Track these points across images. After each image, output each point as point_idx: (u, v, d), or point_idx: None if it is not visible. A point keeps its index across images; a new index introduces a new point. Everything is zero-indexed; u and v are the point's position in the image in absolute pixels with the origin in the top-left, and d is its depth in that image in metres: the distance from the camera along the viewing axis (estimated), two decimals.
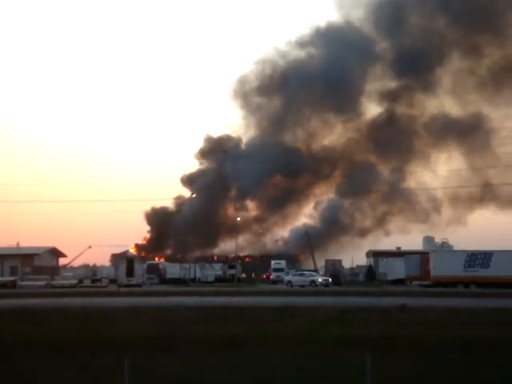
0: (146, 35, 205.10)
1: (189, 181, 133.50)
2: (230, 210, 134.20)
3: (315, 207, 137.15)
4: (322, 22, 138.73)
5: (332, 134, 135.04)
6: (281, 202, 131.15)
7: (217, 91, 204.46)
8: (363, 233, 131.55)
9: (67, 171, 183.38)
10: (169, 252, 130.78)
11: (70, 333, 22.37)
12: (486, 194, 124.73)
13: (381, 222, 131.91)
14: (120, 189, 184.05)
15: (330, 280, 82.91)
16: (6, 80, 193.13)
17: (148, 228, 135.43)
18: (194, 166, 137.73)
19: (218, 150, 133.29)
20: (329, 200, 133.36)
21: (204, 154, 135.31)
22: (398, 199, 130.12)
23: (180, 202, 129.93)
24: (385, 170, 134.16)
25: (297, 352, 18.21)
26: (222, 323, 26.14)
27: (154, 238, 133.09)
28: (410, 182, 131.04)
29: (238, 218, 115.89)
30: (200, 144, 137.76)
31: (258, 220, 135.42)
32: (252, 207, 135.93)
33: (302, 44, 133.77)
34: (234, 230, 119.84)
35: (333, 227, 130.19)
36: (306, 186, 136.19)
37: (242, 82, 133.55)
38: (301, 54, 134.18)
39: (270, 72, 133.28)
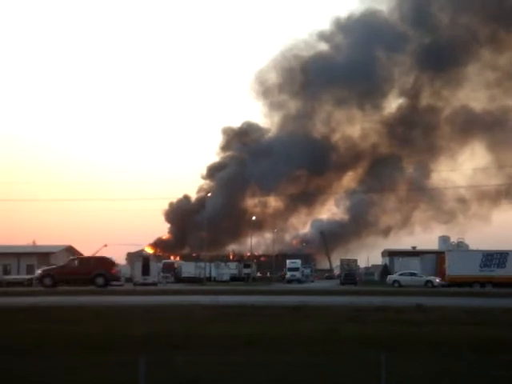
0: (164, 28, 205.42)
1: (211, 172, 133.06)
2: (251, 206, 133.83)
3: (337, 203, 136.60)
4: (344, 13, 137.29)
5: (356, 128, 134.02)
6: (302, 198, 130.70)
7: (235, 86, 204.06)
8: (386, 231, 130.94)
9: (83, 170, 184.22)
10: (187, 250, 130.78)
11: (85, 331, 22.42)
12: (509, 192, 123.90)
13: (405, 220, 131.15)
14: (136, 187, 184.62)
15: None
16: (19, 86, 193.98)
17: (165, 226, 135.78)
18: (211, 162, 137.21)
19: (239, 141, 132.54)
20: (352, 196, 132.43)
21: (225, 146, 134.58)
22: (422, 196, 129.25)
23: (200, 196, 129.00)
24: (409, 166, 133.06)
25: (311, 351, 18.18)
26: (237, 322, 26.13)
27: (174, 235, 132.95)
28: (434, 179, 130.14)
29: (253, 217, 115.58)
30: (218, 141, 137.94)
31: (278, 216, 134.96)
32: (273, 203, 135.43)
33: (324, 36, 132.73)
34: (254, 226, 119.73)
35: (355, 224, 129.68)
36: (328, 183, 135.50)
37: (263, 76, 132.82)
38: (323, 46, 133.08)
39: (292, 65, 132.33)
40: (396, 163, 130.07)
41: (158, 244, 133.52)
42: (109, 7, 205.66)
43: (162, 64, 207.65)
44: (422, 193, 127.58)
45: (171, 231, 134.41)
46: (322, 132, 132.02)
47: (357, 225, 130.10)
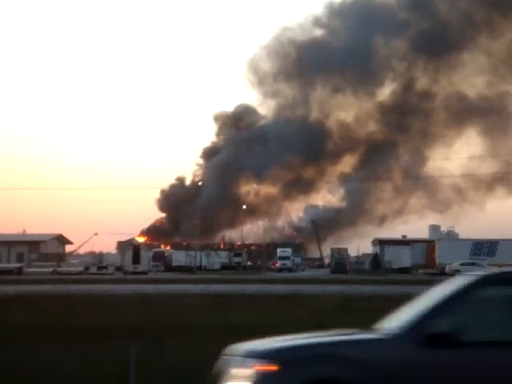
0: (158, 13, 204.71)
1: (206, 156, 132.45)
2: (245, 193, 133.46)
3: (331, 190, 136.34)
4: None
5: (351, 114, 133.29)
6: (297, 185, 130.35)
7: (229, 70, 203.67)
8: (381, 219, 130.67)
9: (73, 158, 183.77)
10: (179, 238, 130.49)
11: (76, 320, 22.38)
12: (504, 179, 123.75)
13: (400, 209, 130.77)
14: (127, 176, 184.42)
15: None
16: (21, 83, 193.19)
17: (156, 215, 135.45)
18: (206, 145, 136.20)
19: (233, 126, 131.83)
20: (346, 183, 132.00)
21: (219, 132, 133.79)
22: (416, 185, 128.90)
23: (194, 182, 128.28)
24: (404, 154, 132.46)
25: None
26: (227, 311, 26.13)
27: (166, 222, 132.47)
28: (429, 168, 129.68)
29: (244, 206, 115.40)
30: (211, 128, 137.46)
31: (272, 203, 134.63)
32: (267, 190, 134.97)
33: (319, 20, 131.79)
34: (248, 213, 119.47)
35: (350, 211, 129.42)
36: (323, 169, 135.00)
37: (256, 64, 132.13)
38: (318, 31, 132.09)
39: (286, 51, 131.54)
40: (391, 150, 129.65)
41: (150, 231, 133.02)
42: None
43: (155, 49, 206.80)
44: (417, 181, 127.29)
45: (164, 218, 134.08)
46: (317, 118, 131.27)
47: (351, 212, 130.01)
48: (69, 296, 34.77)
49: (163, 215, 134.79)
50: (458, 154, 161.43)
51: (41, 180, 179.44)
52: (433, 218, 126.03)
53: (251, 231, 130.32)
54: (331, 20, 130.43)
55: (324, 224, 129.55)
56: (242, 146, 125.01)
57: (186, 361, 15.10)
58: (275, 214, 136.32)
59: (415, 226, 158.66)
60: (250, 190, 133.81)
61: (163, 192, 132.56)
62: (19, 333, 19.40)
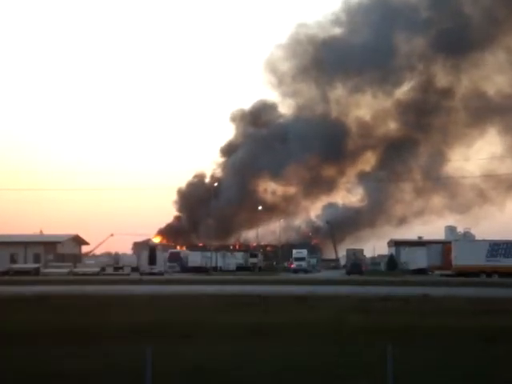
0: (172, 10, 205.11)
1: (226, 152, 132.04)
2: (263, 193, 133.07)
3: (351, 190, 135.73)
4: None
5: (371, 112, 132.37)
6: (316, 184, 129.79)
7: (247, 68, 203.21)
8: (401, 220, 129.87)
9: (90, 159, 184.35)
10: (195, 238, 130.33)
11: (92, 320, 22.50)
12: None
13: (419, 209, 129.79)
14: (143, 177, 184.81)
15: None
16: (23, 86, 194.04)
17: (173, 216, 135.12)
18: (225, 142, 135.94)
19: (252, 123, 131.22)
20: (366, 182, 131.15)
21: (237, 132, 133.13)
22: (436, 185, 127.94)
23: (212, 181, 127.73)
24: (424, 153, 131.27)
25: (317, 341, 18.21)
26: (243, 311, 26.18)
27: (183, 221, 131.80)
28: (448, 168, 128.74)
29: (260, 207, 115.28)
30: (228, 128, 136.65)
31: (291, 202, 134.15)
32: (285, 189, 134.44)
33: (338, 18, 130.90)
34: (266, 212, 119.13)
35: (370, 211, 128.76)
36: (343, 168, 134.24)
37: (275, 63, 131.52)
38: (337, 29, 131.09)
39: (305, 49, 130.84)
40: (411, 149, 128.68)
41: (167, 231, 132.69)
42: None
43: (170, 47, 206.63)
44: (437, 181, 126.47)
45: (180, 217, 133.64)
46: (336, 117, 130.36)
47: (370, 212, 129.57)
48: (85, 296, 34.93)
49: (180, 214, 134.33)
50: (479, 154, 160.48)
51: (57, 181, 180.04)
52: (451, 219, 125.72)
53: (267, 232, 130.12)
54: (349, 18, 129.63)
55: (341, 224, 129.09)
56: (260, 144, 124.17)
57: (202, 361, 15.16)
58: (293, 214, 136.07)
59: (431, 227, 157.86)
60: (268, 189, 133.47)
61: (180, 191, 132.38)
62: (39, 333, 19.53)
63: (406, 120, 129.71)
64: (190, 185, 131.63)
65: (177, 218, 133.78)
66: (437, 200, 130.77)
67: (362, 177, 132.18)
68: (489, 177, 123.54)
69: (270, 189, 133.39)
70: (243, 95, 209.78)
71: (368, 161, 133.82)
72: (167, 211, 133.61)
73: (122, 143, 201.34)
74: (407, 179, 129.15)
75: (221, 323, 21.85)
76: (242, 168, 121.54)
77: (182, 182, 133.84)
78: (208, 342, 17.94)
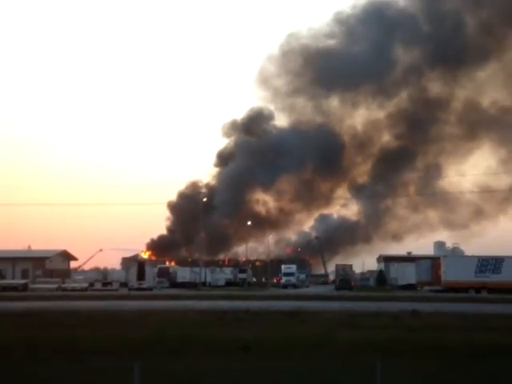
0: (167, 17, 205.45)
1: (222, 159, 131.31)
2: (255, 205, 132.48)
3: (345, 203, 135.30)
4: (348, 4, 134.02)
5: (365, 124, 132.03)
6: (309, 196, 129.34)
7: (237, 77, 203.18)
8: (394, 236, 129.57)
9: (78, 174, 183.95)
10: (184, 252, 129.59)
11: (81, 336, 22.41)
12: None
13: (412, 225, 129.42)
14: (132, 192, 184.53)
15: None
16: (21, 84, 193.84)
17: (161, 231, 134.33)
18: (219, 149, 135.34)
19: (245, 132, 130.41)
20: (360, 196, 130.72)
21: (230, 140, 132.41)
22: (430, 201, 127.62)
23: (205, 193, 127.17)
24: (419, 167, 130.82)
25: (307, 356, 18.20)
26: (232, 327, 26.14)
27: (174, 233, 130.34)
28: (443, 182, 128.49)
29: (249, 222, 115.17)
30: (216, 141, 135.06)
31: (283, 215, 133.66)
32: (277, 202, 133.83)
33: (332, 28, 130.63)
34: (257, 226, 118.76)
35: (360, 225, 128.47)
36: (336, 181, 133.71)
37: (268, 75, 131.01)
38: (330, 40, 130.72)
39: (297, 61, 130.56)
40: (406, 163, 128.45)
41: (156, 244, 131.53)
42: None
43: (160, 54, 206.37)
44: (431, 196, 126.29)
45: (172, 230, 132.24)
46: (331, 129, 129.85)
47: (364, 226, 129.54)
48: (74, 312, 34.79)
49: (171, 227, 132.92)
50: (473, 169, 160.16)
51: (46, 196, 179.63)
52: (441, 235, 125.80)
53: (259, 246, 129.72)
54: (342, 28, 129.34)
55: (332, 237, 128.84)
56: (253, 156, 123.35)
57: (192, 377, 15.13)
58: (286, 227, 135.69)
59: (420, 242, 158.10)
60: (261, 201, 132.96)
61: (170, 204, 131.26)
62: (26, 349, 19.44)
63: (401, 133, 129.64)
64: (183, 196, 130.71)
65: (169, 231, 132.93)
66: (430, 215, 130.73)
67: (356, 190, 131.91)
68: (482, 192, 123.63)
69: (263, 201, 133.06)
70: (236, 105, 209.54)
71: (362, 174, 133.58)
72: (156, 226, 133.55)
73: (111, 158, 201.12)
74: (401, 194, 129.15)
75: (208, 338, 21.79)
76: (235, 181, 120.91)
77: (172, 196, 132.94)
78: (196, 358, 17.91)
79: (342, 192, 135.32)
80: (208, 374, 15.63)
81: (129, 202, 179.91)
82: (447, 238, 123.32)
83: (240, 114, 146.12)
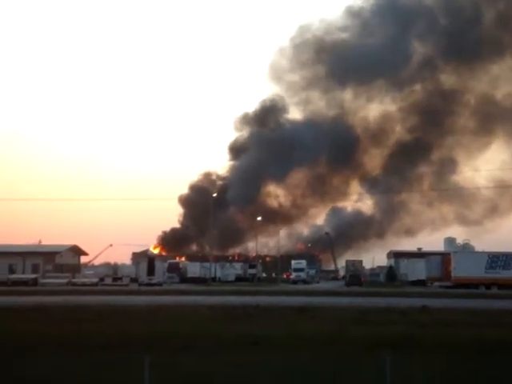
0: (177, 12, 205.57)
1: (234, 151, 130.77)
2: (268, 199, 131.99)
3: (358, 198, 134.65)
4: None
5: (379, 117, 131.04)
6: (321, 190, 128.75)
7: (248, 70, 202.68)
8: (407, 232, 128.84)
9: (90, 169, 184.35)
10: (195, 246, 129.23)
11: (91, 331, 22.46)
12: None
13: (427, 220, 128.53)
14: (142, 187, 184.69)
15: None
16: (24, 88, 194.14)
17: (172, 225, 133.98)
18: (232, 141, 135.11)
19: (258, 124, 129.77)
20: (372, 190, 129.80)
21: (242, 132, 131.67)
22: (443, 195, 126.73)
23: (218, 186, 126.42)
24: (433, 162, 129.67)
25: (317, 352, 18.18)
26: (242, 322, 26.14)
27: (186, 226, 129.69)
28: (457, 177, 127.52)
29: (259, 218, 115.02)
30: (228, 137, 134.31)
31: (297, 208, 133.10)
32: (289, 196, 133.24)
33: (347, 18, 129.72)
34: (269, 220, 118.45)
35: (373, 221, 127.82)
36: (348, 176, 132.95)
37: (280, 68, 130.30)
38: (343, 32, 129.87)
39: (311, 52, 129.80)
40: (420, 157, 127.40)
41: (168, 238, 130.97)
42: None
43: (168, 46, 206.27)
44: (444, 192, 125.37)
45: (183, 222, 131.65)
46: (344, 122, 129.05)
47: (376, 221, 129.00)
48: (84, 307, 34.88)
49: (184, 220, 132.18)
50: (488, 163, 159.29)
51: (56, 191, 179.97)
52: (452, 231, 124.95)
53: (268, 241, 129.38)
54: (355, 21, 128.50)
55: (344, 232, 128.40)
56: (267, 149, 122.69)
57: (201, 372, 15.14)
58: (299, 221, 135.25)
59: (430, 238, 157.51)
60: (273, 195, 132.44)
61: (182, 197, 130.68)
62: (37, 343, 19.50)
63: (415, 126, 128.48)
64: (194, 188, 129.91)
65: (181, 225, 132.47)
66: (444, 210, 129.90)
67: (370, 184, 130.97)
68: (497, 187, 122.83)
69: (275, 195, 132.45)
70: (249, 98, 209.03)
71: (376, 168, 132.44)
72: (167, 221, 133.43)
73: (120, 153, 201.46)
74: (415, 188, 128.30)
75: (219, 334, 21.80)
76: (248, 174, 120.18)
77: (184, 191, 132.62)
78: (206, 353, 17.91)
79: (355, 186, 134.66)
80: (217, 369, 15.64)
81: (139, 197, 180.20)
82: (459, 233, 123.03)
83: (252, 107, 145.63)
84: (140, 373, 11.51)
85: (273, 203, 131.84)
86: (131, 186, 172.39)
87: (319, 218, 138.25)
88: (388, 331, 22.57)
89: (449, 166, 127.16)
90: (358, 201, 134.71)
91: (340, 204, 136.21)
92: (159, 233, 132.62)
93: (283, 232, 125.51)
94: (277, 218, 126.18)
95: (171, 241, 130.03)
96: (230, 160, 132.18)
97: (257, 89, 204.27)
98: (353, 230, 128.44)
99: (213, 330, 23.12)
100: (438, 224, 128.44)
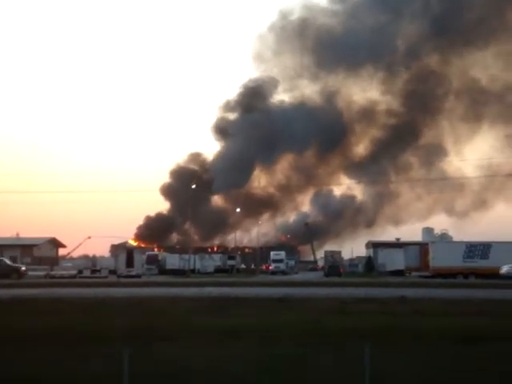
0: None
1: (220, 131, 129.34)
2: (254, 186, 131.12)
3: (343, 186, 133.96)
4: None
5: (367, 100, 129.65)
6: (308, 176, 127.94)
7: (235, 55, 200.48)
8: (395, 221, 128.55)
9: (67, 161, 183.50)
10: (175, 236, 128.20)
11: (69, 323, 22.36)
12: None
13: (416, 209, 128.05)
14: (120, 179, 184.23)
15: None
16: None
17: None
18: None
19: (245, 106, 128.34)
20: (360, 175, 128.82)
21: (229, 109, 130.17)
22: (430, 185, 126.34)
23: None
24: (421, 148, 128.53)
25: (296, 342, 18.20)
26: (221, 314, 26.14)
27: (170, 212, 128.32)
28: (442, 167, 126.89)
29: (238, 209, 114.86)
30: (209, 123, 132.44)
31: (283, 194, 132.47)
32: (276, 180, 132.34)
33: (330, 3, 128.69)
34: (257, 207, 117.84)
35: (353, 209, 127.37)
36: (335, 161, 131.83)
37: (263, 50, 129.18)
38: (330, 13, 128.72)
39: (295, 29, 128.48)
40: (406, 145, 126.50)
41: (148, 226, 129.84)
42: None
43: (159, 30, 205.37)
44: (431, 182, 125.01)
45: (164, 212, 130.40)
46: (331, 105, 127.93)
47: (363, 208, 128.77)
48: (62, 299, 34.72)
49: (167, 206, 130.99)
50: (475, 152, 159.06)
51: (34, 183, 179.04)
52: (437, 219, 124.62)
53: (250, 231, 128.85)
54: (343, 3, 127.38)
55: (327, 217, 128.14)
56: (253, 133, 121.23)
57: (180, 363, 15.10)
58: (285, 209, 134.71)
59: (408, 228, 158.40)
60: (259, 182, 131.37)
61: (164, 185, 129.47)
62: (16, 336, 19.38)
63: (402, 111, 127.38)
64: (177, 174, 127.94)
65: (160, 215, 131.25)
66: (428, 199, 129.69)
67: (356, 171, 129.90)
68: (483, 177, 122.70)
69: (261, 181, 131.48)
70: (232, 84, 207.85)
71: (363, 154, 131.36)
72: (146, 213, 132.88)
73: (99, 146, 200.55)
74: (402, 177, 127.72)
75: (198, 325, 21.79)
76: (234, 161, 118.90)
77: (159, 182, 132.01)
78: (185, 345, 17.88)
79: (341, 173, 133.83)
80: (197, 360, 15.62)
81: (117, 189, 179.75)
82: (437, 223, 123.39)
83: (235, 92, 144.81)
84: (119, 365, 11.45)
85: (259, 191, 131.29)
86: (109, 177, 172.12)
87: (305, 205, 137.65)
88: (367, 321, 22.65)
89: (436, 152, 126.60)
90: (343, 187, 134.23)
91: (326, 190, 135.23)
92: (138, 224, 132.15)
93: (266, 222, 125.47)
94: (263, 206, 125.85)
95: (152, 230, 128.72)
96: (217, 140, 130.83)
97: (240, 74, 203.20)
98: (337, 216, 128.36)
99: (192, 321, 23.10)
100: (424, 213, 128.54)
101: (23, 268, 77.63)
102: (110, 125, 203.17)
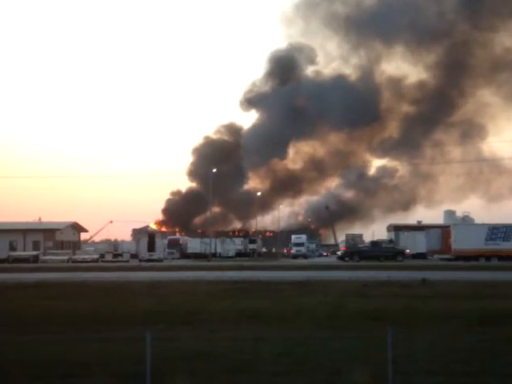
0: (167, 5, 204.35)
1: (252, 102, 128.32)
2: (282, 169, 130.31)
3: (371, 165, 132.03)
4: None
5: (401, 74, 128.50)
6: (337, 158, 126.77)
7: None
8: (411, 202, 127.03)
9: (87, 147, 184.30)
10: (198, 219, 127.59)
11: (92, 307, 22.50)
12: None
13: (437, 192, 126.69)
14: (142, 163, 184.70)
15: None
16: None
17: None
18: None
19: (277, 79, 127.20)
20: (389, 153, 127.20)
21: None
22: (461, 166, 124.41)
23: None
24: (456, 127, 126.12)
25: (318, 326, 18.21)
26: (243, 297, 26.19)
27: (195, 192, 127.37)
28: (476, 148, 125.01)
29: (258, 193, 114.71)
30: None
31: (314, 172, 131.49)
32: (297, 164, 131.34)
33: None
34: (284, 189, 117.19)
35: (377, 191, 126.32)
36: (367, 137, 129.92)
37: (294, 20, 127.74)
38: None
39: (330, 8, 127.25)
40: (439, 125, 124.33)
41: (169, 209, 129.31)
42: None
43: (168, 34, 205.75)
44: (464, 164, 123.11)
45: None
46: (363, 84, 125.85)
47: (379, 193, 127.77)
48: (85, 284, 34.94)
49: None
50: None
51: (56, 168, 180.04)
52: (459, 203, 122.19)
53: (285, 213, 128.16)
54: None
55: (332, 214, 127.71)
56: (285, 109, 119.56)
57: (202, 346, 15.16)
58: (314, 188, 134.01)
59: (430, 211, 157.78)
60: (291, 160, 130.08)
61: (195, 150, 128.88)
62: (41, 319, 19.54)
63: (439, 87, 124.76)
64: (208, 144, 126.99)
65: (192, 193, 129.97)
66: (461, 181, 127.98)
67: (388, 150, 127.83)
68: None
69: (293, 159, 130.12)
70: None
71: (396, 131, 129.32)
72: (166, 197, 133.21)
73: (120, 130, 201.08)
74: (433, 158, 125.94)
75: (219, 309, 21.85)
76: (264, 137, 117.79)
77: (181, 166, 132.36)
78: (208, 328, 17.94)
79: (375, 151, 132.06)
80: (218, 344, 15.66)
81: (139, 174, 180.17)
82: (461, 206, 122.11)
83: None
84: (142, 348, 11.50)
85: (291, 168, 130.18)
86: (132, 162, 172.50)
87: (335, 184, 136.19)
88: (389, 304, 22.62)
89: (471, 135, 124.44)
90: (378, 166, 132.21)
91: (359, 166, 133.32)
92: (160, 208, 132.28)
93: (283, 208, 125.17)
94: (292, 185, 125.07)
95: (176, 213, 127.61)
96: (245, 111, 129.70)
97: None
98: (369, 195, 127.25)
99: (213, 305, 23.17)
100: (457, 195, 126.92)
101: None
102: (130, 109, 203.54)
